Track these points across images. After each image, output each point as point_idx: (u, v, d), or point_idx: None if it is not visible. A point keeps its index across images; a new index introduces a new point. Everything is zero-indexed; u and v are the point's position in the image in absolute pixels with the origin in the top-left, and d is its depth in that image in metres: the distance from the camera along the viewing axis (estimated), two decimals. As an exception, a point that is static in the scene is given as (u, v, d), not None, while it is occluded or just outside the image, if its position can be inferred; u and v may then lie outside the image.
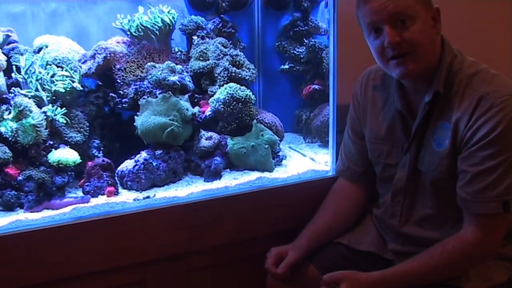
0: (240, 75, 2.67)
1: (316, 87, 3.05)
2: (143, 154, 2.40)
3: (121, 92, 2.56)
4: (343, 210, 2.22)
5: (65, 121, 2.31)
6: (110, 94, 2.56)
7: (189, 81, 2.62)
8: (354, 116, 2.21)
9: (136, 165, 2.35)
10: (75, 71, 2.46)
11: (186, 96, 2.57)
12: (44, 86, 2.33)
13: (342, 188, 2.27)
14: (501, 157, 1.71)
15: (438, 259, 1.81)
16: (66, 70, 2.42)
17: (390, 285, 1.85)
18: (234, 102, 2.51)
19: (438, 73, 1.83)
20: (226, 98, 2.50)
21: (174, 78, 2.53)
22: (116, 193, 2.29)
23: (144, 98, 2.50)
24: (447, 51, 1.85)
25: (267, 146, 2.54)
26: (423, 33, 1.79)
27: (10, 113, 2.20)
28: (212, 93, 2.62)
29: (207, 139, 2.51)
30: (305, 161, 2.71)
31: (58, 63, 2.47)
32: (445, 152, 1.84)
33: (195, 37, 2.81)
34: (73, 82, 2.39)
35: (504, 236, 1.86)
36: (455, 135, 1.80)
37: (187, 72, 2.67)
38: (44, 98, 2.31)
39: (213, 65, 2.68)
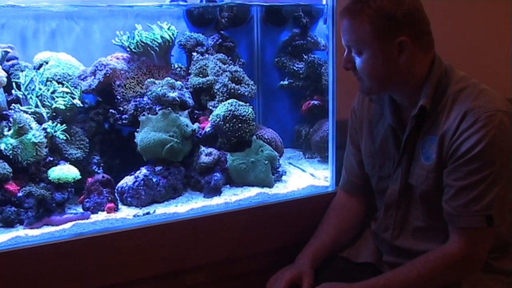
0: (239, 91, 2.68)
1: (316, 102, 3.05)
2: (143, 170, 2.40)
3: (121, 109, 2.57)
4: (346, 225, 2.22)
5: (65, 138, 2.32)
6: (110, 110, 2.56)
7: (189, 97, 2.63)
8: (352, 129, 2.24)
9: (136, 181, 2.35)
10: (75, 87, 2.47)
11: (186, 112, 2.57)
12: (44, 102, 2.34)
13: (342, 203, 2.28)
14: (485, 172, 1.72)
15: (421, 268, 1.83)
16: (66, 87, 2.43)
17: None
18: (234, 118, 2.51)
19: (425, 89, 1.86)
20: (226, 114, 2.51)
21: (173, 94, 2.53)
22: (116, 209, 2.29)
23: (144, 114, 2.50)
24: (436, 67, 1.87)
25: (266, 162, 2.54)
26: (369, 65, 1.85)
27: (10, 129, 2.20)
28: (212, 109, 2.62)
29: (206, 155, 2.51)
30: (305, 176, 2.71)
31: (58, 79, 2.48)
32: (431, 166, 1.86)
33: (194, 53, 2.82)
34: (73, 98, 2.40)
35: (498, 250, 1.88)
36: (441, 149, 1.83)
37: (186, 88, 2.68)
38: (44, 114, 2.32)
39: (212, 81, 2.68)
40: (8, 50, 2.47)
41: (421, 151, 1.91)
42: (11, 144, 2.16)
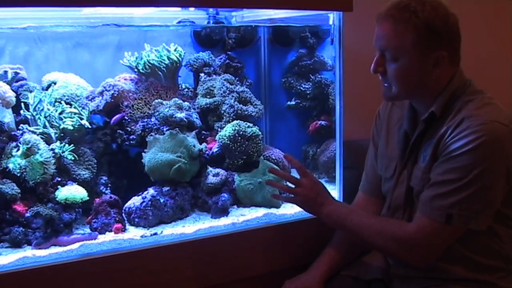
0: (246, 112, 2.69)
1: (323, 123, 3.05)
2: (151, 191, 2.40)
3: (129, 129, 2.57)
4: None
5: (73, 158, 2.32)
6: (118, 131, 2.57)
7: (196, 118, 2.64)
8: (374, 131, 2.26)
9: (143, 201, 2.35)
10: (83, 108, 2.48)
11: (193, 132, 2.58)
12: (52, 123, 2.35)
13: (361, 205, 2.28)
14: (460, 175, 1.74)
15: (376, 220, 1.99)
16: (74, 107, 2.44)
17: (336, 213, 2.05)
18: (241, 139, 2.52)
19: (440, 97, 1.88)
20: (233, 134, 2.51)
21: (181, 115, 2.54)
22: (124, 229, 2.29)
23: (151, 135, 2.51)
24: (455, 79, 1.89)
25: (274, 182, 2.54)
26: (402, 73, 1.87)
27: (18, 149, 2.21)
28: (219, 129, 2.63)
29: (214, 175, 2.52)
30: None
31: (67, 100, 2.49)
32: (426, 166, 1.88)
33: (202, 74, 2.83)
34: (81, 119, 2.41)
35: (503, 269, 1.89)
36: (435, 150, 1.85)
37: (194, 108, 2.69)
38: (52, 135, 2.33)
39: (219, 102, 2.69)
40: (18, 71, 2.49)
41: (422, 154, 1.94)
42: (19, 164, 2.17)
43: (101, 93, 2.57)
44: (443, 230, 1.80)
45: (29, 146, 2.20)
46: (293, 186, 2.14)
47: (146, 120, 2.58)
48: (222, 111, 2.68)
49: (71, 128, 2.38)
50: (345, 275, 2.17)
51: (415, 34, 1.80)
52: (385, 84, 1.94)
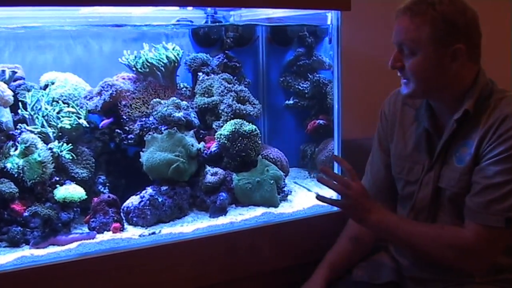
0: (244, 111, 2.69)
1: (321, 122, 3.06)
2: (149, 190, 2.40)
3: (127, 128, 2.57)
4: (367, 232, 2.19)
5: (71, 157, 2.32)
6: (116, 130, 2.57)
7: (194, 117, 2.64)
8: (381, 133, 2.21)
9: (141, 201, 2.35)
10: (81, 107, 2.48)
11: (192, 132, 2.58)
12: (50, 122, 2.35)
13: None
14: None
15: (431, 228, 1.91)
16: (72, 106, 2.44)
17: (385, 221, 1.96)
18: (239, 138, 2.52)
19: (470, 95, 1.86)
20: (231, 133, 2.51)
21: (179, 114, 2.54)
22: (122, 229, 2.29)
23: (149, 134, 2.51)
24: (481, 78, 1.88)
25: (272, 181, 2.54)
26: (420, 67, 1.85)
27: (16, 149, 2.21)
28: (217, 128, 2.63)
29: (212, 174, 2.52)
30: (311, 196, 2.70)
31: (65, 99, 2.49)
32: (466, 168, 1.85)
33: (200, 73, 2.83)
34: (79, 118, 2.41)
35: None
36: (477, 151, 1.82)
37: (192, 108, 2.69)
38: (50, 134, 2.32)
39: (217, 101, 2.69)
40: (15, 70, 2.48)
41: (454, 155, 1.90)
42: (17, 164, 2.16)
43: (99, 93, 2.57)
44: (503, 234, 1.78)
45: (27, 145, 2.19)
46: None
47: (144, 119, 2.58)
48: (220, 111, 2.68)
49: (69, 127, 2.37)
50: (358, 282, 2.15)
51: (432, 27, 1.78)
52: (404, 80, 1.93)
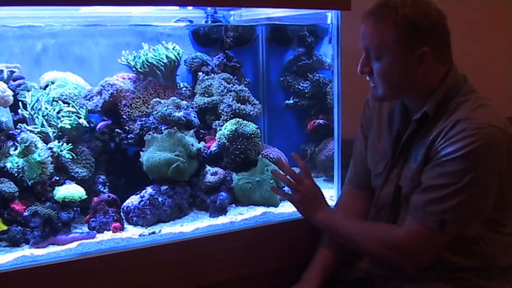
0: (244, 111, 2.69)
1: (321, 121, 3.05)
2: (149, 190, 2.40)
3: (127, 128, 2.57)
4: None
5: (71, 157, 2.32)
6: (116, 130, 2.57)
7: (194, 117, 2.64)
8: (363, 120, 2.22)
9: (141, 200, 2.35)
10: (81, 107, 2.48)
11: (192, 131, 2.58)
12: (50, 122, 2.35)
13: (348, 202, 2.25)
14: (455, 179, 1.72)
15: (367, 226, 2.00)
16: (72, 106, 2.44)
17: (329, 219, 2.08)
18: (240, 137, 2.52)
19: (433, 97, 1.85)
20: (231, 133, 2.51)
21: (179, 113, 2.54)
22: (122, 228, 2.29)
23: (149, 134, 2.51)
24: (449, 78, 1.85)
25: (272, 181, 2.54)
26: (386, 72, 1.85)
27: (16, 149, 2.21)
28: (217, 128, 2.63)
29: (212, 174, 2.52)
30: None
31: (65, 99, 2.49)
32: (418, 167, 1.86)
33: (200, 73, 2.83)
34: (79, 118, 2.41)
35: (481, 268, 1.87)
36: (428, 152, 1.82)
37: (192, 107, 2.69)
38: (50, 134, 2.32)
39: (217, 101, 2.69)
40: (15, 69, 2.48)
41: (413, 154, 1.91)
42: (17, 163, 2.16)
43: (99, 93, 2.57)
44: (435, 236, 1.79)
45: (27, 145, 2.19)
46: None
47: (144, 119, 2.58)
48: (220, 110, 2.68)
49: (69, 127, 2.37)
50: (331, 278, 2.16)
51: (395, 30, 1.77)
52: (373, 85, 1.93)
